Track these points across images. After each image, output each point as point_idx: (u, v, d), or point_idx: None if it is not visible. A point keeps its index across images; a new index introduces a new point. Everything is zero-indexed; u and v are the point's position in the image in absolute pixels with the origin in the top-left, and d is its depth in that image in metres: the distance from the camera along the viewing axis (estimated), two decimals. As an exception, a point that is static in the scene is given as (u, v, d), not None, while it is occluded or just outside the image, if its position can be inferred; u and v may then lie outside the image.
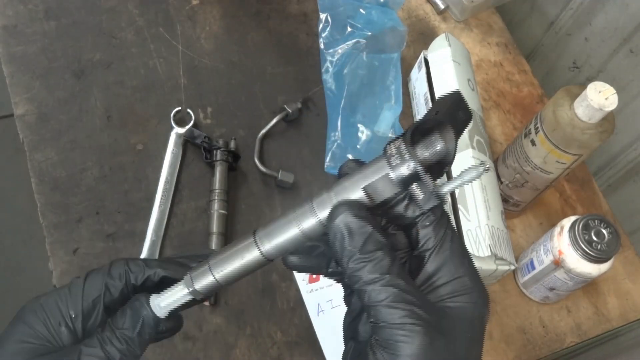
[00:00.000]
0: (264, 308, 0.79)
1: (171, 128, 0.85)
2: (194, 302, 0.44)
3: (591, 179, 0.94)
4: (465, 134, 0.78)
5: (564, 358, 0.86)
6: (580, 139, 0.69)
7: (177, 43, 0.93)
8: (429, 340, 0.35)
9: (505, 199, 0.84)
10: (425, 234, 0.39)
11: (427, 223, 0.39)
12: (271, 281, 0.80)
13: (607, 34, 0.96)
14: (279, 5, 0.99)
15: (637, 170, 0.98)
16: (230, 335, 0.77)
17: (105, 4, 0.94)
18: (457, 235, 0.40)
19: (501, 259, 0.74)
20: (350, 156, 0.87)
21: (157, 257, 0.79)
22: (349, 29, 0.91)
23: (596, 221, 0.72)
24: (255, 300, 0.79)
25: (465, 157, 0.77)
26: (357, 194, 0.38)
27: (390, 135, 0.88)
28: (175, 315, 0.46)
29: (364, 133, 0.88)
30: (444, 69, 0.84)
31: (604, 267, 0.73)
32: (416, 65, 0.91)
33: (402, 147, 0.37)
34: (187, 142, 0.86)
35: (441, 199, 0.38)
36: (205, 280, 0.41)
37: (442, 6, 1.01)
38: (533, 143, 0.75)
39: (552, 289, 0.79)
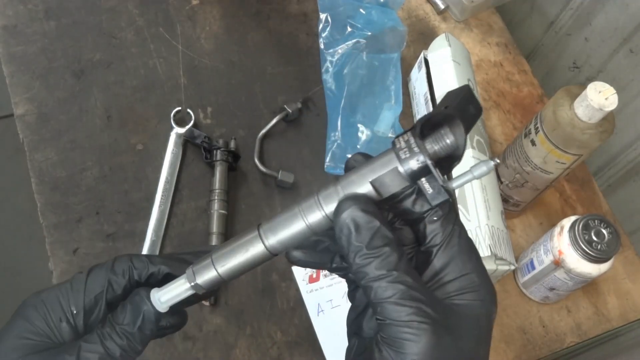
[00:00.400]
0: (264, 308, 0.79)
1: (171, 128, 0.85)
2: (195, 298, 0.43)
3: (591, 179, 0.94)
4: (465, 134, 0.78)
5: (564, 358, 0.86)
6: (580, 139, 0.69)
7: (177, 43, 0.93)
8: (436, 339, 0.34)
9: (505, 199, 0.84)
10: (433, 229, 0.38)
11: (435, 218, 0.38)
12: (271, 281, 0.80)
13: (607, 34, 0.96)
14: (279, 5, 0.99)
15: (637, 170, 0.98)
16: (230, 335, 0.77)
17: (105, 4, 0.94)
18: (465, 231, 0.39)
19: (501, 259, 0.74)
20: (349, 156, 0.87)
21: (157, 257, 0.79)
22: (349, 29, 0.91)
23: (596, 221, 0.72)
24: (255, 300, 0.79)
25: (465, 157, 0.77)
26: (365, 188, 0.37)
27: (390, 135, 0.88)
28: (179, 311, 0.45)
29: (364, 133, 0.88)
30: (444, 69, 0.84)
31: (604, 267, 0.73)
32: (416, 65, 0.91)
33: (412, 140, 0.36)
34: (187, 142, 0.86)
35: (450, 194, 0.37)
36: (207, 275, 0.40)
37: (442, 6, 1.01)
38: (533, 143, 0.75)
39: (552, 289, 0.79)
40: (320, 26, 0.93)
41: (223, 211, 0.81)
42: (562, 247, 0.73)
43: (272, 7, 0.99)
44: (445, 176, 0.37)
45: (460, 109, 0.35)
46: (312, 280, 0.80)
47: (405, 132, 0.37)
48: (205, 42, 0.94)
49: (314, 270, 0.80)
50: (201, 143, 0.84)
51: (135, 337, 0.41)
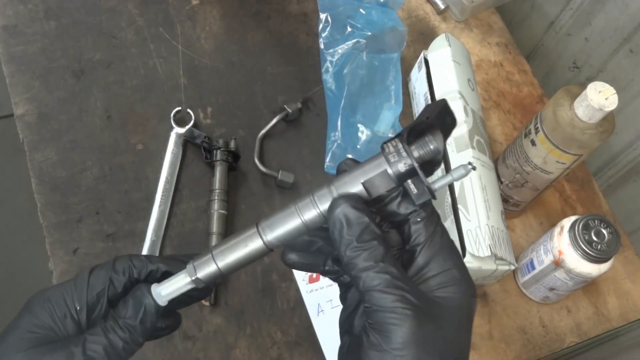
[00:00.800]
0: (264, 308, 0.79)
1: (171, 128, 0.85)
2: (192, 298, 0.46)
3: (591, 179, 0.94)
4: (466, 134, 0.78)
5: (564, 358, 0.86)
6: (580, 139, 0.69)
7: (177, 43, 0.93)
8: (419, 324, 0.37)
9: (505, 199, 0.84)
10: (417, 229, 0.42)
11: (419, 219, 0.42)
12: (271, 281, 0.80)
13: (607, 34, 0.96)
14: (279, 5, 0.99)
15: (637, 170, 0.98)
16: (230, 335, 0.77)
17: (105, 4, 0.94)
18: (446, 232, 0.43)
19: (501, 259, 0.74)
20: (349, 156, 0.87)
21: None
22: (349, 29, 0.91)
23: (596, 221, 0.72)
24: (255, 300, 0.79)
25: (466, 157, 0.77)
26: (356, 188, 0.41)
27: (390, 135, 0.88)
28: (174, 312, 0.48)
29: (364, 133, 0.88)
30: (444, 69, 0.84)
31: (604, 267, 0.73)
32: (416, 65, 0.91)
33: (399, 145, 0.40)
34: (187, 142, 0.86)
35: (433, 194, 0.40)
36: (208, 269, 0.43)
37: (442, 6, 1.01)
38: (533, 143, 0.75)
39: (552, 289, 0.79)
40: (320, 26, 0.93)
41: (223, 211, 0.81)
42: (562, 247, 0.73)
43: (272, 7, 0.99)
44: (428, 179, 0.41)
45: (439, 120, 0.40)
46: (312, 280, 0.80)
47: (393, 139, 0.41)
48: (205, 42, 0.94)
49: (309, 272, 0.80)
50: (201, 143, 0.84)
51: (137, 329, 0.43)
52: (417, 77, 0.90)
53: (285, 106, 0.88)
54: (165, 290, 0.43)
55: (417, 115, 0.92)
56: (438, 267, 0.41)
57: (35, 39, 0.90)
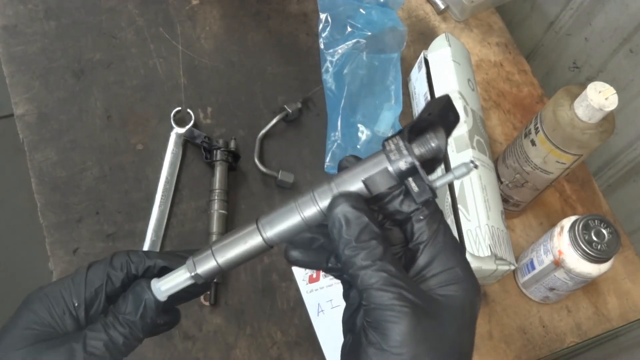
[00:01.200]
0: (264, 308, 0.79)
1: (171, 128, 0.85)
2: (190, 295, 0.46)
3: (591, 179, 0.94)
4: (466, 134, 0.78)
5: (564, 358, 0.86)
6: (580, 139, 0.69)
7: (177, 43, 0.93)
8: (417, 321, 0.37)
9: (505, 199, 0.84)
10: (419, 227, 0.41)
11: (421, 217, 0.41)
12: (271, 281, 0.80)
13: (607, 34, 0.96)
14: (279, 5, 0.99)
15: (637, 170, 0.98)
16: (230, 335, 0.77)
17: (105, 4, 0.94)
18: (449, 230, 0.42)
19: (501, 259, 0.74)
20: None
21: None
22: (349, 29, 0.91)
23: (596, 221, 0.72)
24: (255, 300, 0.79)
25: (466, 157, 0.77)
26: (357, 186, 0.40)
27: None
28: (173, 308, 0.48)
29: (364, 133, 0.88)
30: (444, 69, 0.84)
31: (604, 267, 0.73)
32: (416, 65, 0.91)
33: (400, 143, 0.40)
34: (187, 142, 0.86)
35: (434, 192, 0.40)
36: (207, 265, 0.43)
37: (442, 6, 1.01)
38: (533, 143, 0.75)
39: (552, 289, 0.79)
40: (320, 26, 0.93)
41: (223, 211, 0.81)
42: (562, 247, 0.73)
43: (272, 7, 0.99)
44: (429, 177, 0.41)
45: (441, 117, 0.39)
46: (312, 280, 0.80)
47: (394, 136, 0.40)
48: (205, 42, 0.94)
49: (314, 270, 0.80)
50: (201, 143, 0.84)
51: (137, 325, 0.43)
52: (417, 77, 0.90)
53: (285, 106, 0.88)
54: (165, 286, 0.43)
55: (417, 115, 0.92)
56: (441, 266, 0.40)
57: (35, 39, 0.90)
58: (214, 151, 0.83)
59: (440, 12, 1.02)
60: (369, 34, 0.90)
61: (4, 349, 0.41)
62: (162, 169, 0.83)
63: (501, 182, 0.83)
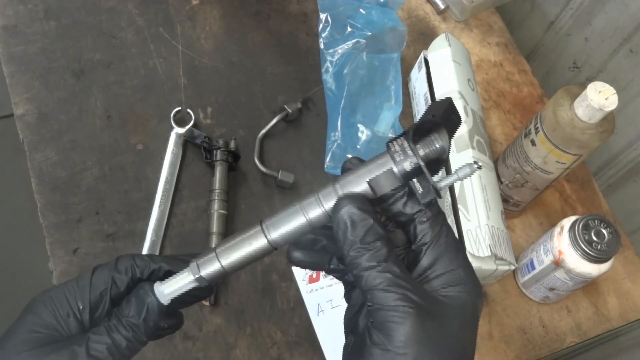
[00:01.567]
0: (264, 308, 0.79)
1: (171, 128, 0.85)
2: (193, 298, 0.45)
3: (591, 179, 0.94)
4: (466, 134, 0.78)
5: (564, 358, 0.86)
6: (580, 139, 0.69)
7: (177, 43, 0.93)
8: (421, 322, 0.37)
9: (505, 199, 0.84)
10: (422, 229, 0.41)
11: (425, 219, 0.41)
12: (271, 281, 0.80)
13: (607, 34, 0.96)
14: (279, 5, 0.99)
15: (637, 170, 0.98)
16: (230, 335, 0.77)
17: (105, 4, 0.94)
18: (452, 231, 0.42)
19: (501, 259, 0.74)
20: (349, 156, 0.87)
21: (157, 257, 0.80)
22: (349, 29, 0.91)
23: (596, 221, 0.72)
24: (255, 300, 0.79)
25: (466, 157, 0.77)
26: (361, 187, 0.41)
27: (390, 135, 0.88)
28: (176, 312, 0.48)
29: (364, 133, 0.88)
30: (444, 69, 0.84)
31: (604, 267, 0.73)
32: (416, 65, 0.91)
33: (405, 144, 0.40)
34: (187, 142, 0.86)
35: (439, 193, 0.40)
36: (211, 267, 0.43)
37: (442, 6, 1.01)
38: (533, 143, 0.75)
39: (552, 289, 0.79)
40: (320, 26, 0.93)
41: (223, 211, 0.81)
42: (562, 247, 0.73)
43: (272, 7, 0.99)
44: (434, 177, 0.41)
45: (444, 118, 0.40)
46: (312, 280, 0.80)
47: (398, 137, 0.41)
48: (205, 42, 0.94)
49: (314, 270, 0.80)
50: (201, 143, 0.84)
51: (140, 328, 0.43)
52: (417, 77, 0.90)
53: (285, 106, 0.88)
54: (168, 289, 0.43)
55: (417, 115, 0.92)
56: (443, 267, 0.41)
57: (35, 39, 0.90)
58: (214, 151, 0.83)
59: (440, 12, 1.02)
60: (369, 34, 0.90)
61: (7, 353, 0.41)
62: (162, 169, 0.83)
63: (501, 182, 0.83)
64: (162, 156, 0.84)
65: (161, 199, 0.81)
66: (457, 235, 0.74)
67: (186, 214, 0.82)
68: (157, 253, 0.79)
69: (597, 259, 0.72)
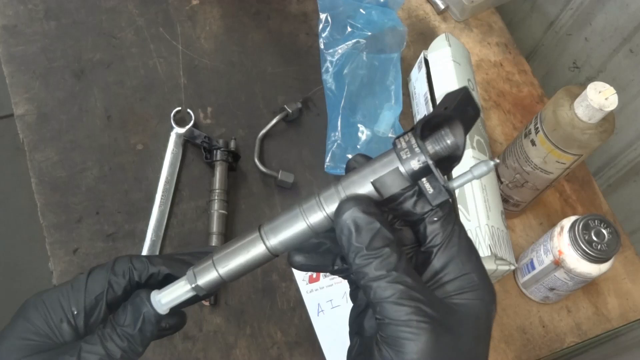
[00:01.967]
0: (264, 308, 0.79)
1: (171, 128, 0.85)
2: (196, 298, 0.43)
3: (591, 179, 0.94)
4: (465, 134, 0.78)
5: (564, 358, 0.86)
6: (580, 139, 0.69)
7: (177, 43, 0.93)
8: (435, 338, 0.35)
9: (505, 199, 0.84)
10: (433, 229, 0.38)
11: (435, 219, 0.38)
12: (271, 281, 0.80)
13: (607, 34, 0.96)
14: (279, 5, 0.99)
15: (637, 170, 0.98)
16: (230, 335, 0.77)
17: (105, 4, 0.94)
18: (465, 232, 0.39)
19: (501, 259, 0.74)
20: (350, 156, 0.87)
21: (157, 257, 0.79)
22: (349, 29, 0.91)
23: (596, 221, 0.72)
24: (255, 300, 0.79)
25: (465, 157, 0.77)
26: (366, 189, 0.37)
27: (390, 135, 0.88)
28: (178, 312, 0.45)
29: (364, 133, 0.88)
30: (444, 69, 0.84)
31: (604, 267, 0.73)
32: (416, 65, 0.91)
33: (412, 141, 0.36)
34: (187, 142, 0.86)
35: (451, 194, 0.37)
36: (208, 276, 0.40)
37: (442, 6, 1.01)
38: (533, 143, 0.75)
39: (552, 289, 0.79)
40: (320, 26, 0.93)
41: (223, 211, 0.81)
42: (562, 247, 0.73)
43: (272, 7, 0.99)
44: (446, 176, 0.37)
45: (459, 110, 0.35)
46: (312, 280, 0.80)
47: (405, 133, 0.37)
48: (205, 42, 0.94)
49: (317, 272, 0.80)
50: (201, 143, 0.84)
51: (136, 338, 0.41)
52: (417, 77, 0.90)
53: (285, 106, 0.88)
54: (165, 299, 0.41)
55: (417, 115, 0.92)
56: (456, 271, 0.38)
57: (35, 39, 0.90)
58: (214, 151, 0.83)
59: (440, 12, 1.02)
60: (369, 34, 0.90)
61: None
62: (162, 169, 0.83)
63: (501, 182, 0.83)
64: (162, 156, 0.84)
65: (161, 199, 0.81)
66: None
67: (186, 214, 0.82)
68: (157, 253, 0.79)
69: (597, 259, 0.72)
